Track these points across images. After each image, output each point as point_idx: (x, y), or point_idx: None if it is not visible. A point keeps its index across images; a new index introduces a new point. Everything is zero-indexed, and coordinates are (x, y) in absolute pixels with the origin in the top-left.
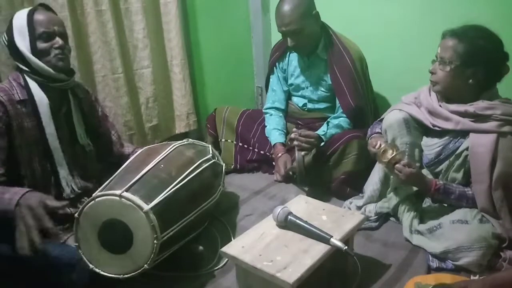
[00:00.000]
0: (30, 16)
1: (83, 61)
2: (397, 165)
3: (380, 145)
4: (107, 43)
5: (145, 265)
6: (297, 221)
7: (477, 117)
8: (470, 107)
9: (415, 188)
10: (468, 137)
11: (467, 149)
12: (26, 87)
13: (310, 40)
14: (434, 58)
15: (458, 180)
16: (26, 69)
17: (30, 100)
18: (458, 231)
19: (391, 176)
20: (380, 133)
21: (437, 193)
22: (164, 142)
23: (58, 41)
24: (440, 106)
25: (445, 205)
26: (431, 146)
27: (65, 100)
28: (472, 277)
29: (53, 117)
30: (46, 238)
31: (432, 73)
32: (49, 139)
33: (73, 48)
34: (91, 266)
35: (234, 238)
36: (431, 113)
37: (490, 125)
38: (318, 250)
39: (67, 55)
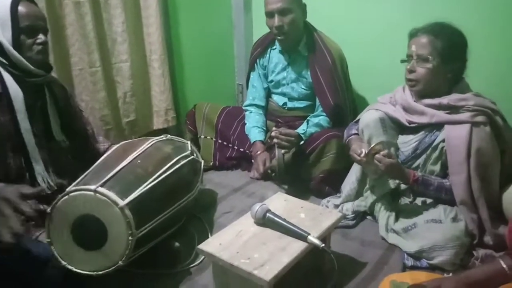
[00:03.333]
0: (14, 7)
1: (59, 54)
2: (376, 155)
3: (365, 152)
4: (85, 36)
5: (120, 262)
6: (275, 218)
7: (451, 109)
8: (443, 100)
9: (392, 186)
10: (443, 130)
11: (443, 141)
12: (1, 81)
13: (294, 28)
14: (405, 58)
15: (436, 172)
16: (4, 61)
17: (4, 94)
18: (432, 231)
19: (368, 175)
20: (357, 134)
21: (416, 185)
22: (142, 138)
23: (42, 37)
24: (414, 101)
25: (420, 204)
26: (407, 142)
27: (40, 95)
28: (445, 275)
29: (28, 112)
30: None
31: (411, 71)
32: (24, 134)
33: (49, 40)
34: (63, 263)
35: (211, 236)
36: (406, 109)
37: (464, 115)
38: (295, 247)
39: (47, 53)
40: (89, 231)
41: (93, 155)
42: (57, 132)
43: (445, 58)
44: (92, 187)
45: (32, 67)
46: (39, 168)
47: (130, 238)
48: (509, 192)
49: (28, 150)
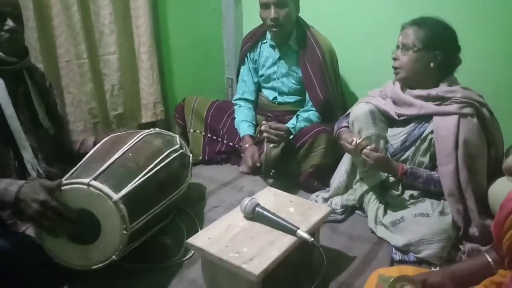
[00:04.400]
0: None
1: (45, 44)
2: (364, 150)
3: (356, 141)
4: (72, 27)
5: (114, 256)
6: (265, 212)
7: (440, 100)
8: (432, 91)
9: (380, 178)
10: (432, 121)
11: (432, 132)
12: None
13: (289, 22)
14: (394, 49)
15: (425, 164)
16: None
17: None
18: (419, 225)
19: (357, 167)
20: (348, 126)
21: (405, 177)
22: (130, 131)
23: (9, 23)
24: (403, 93)
25: (407, 198)
26: (396, 135)
27: (21, 81)
28: (432, 269)
29: (11, 99)
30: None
31: (395, 59)
32: (9, 121)
33: (35, 30)
34: (55, 257)
35: (200, 230)
36: (396, 101)
37: (452, 107)
38: (284, 242)
39: (18, 39)
40: (82, 225)
41: (66, 148)
42: (43, 119)
43: (426, 45)
44: (85, 180)
45: (2, 54)
46: (27, 155)
47: (124, 232)
48: (496, 186)
49: (15, 138)
